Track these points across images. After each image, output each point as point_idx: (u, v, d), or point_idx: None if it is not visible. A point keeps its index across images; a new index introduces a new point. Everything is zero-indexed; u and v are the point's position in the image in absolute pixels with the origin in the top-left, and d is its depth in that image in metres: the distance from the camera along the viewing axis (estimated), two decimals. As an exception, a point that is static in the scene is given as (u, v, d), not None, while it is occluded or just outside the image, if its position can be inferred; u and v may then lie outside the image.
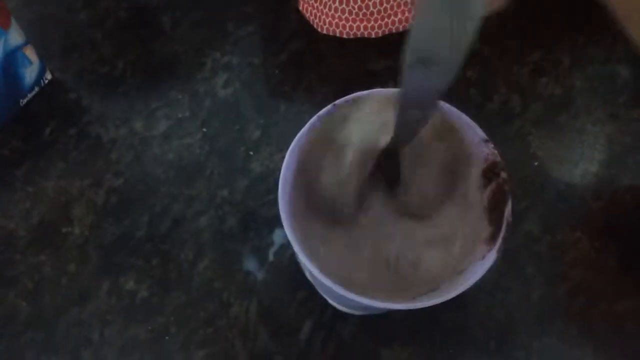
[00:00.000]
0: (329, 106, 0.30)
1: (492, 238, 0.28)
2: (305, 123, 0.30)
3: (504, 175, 0.29)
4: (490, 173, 0.30)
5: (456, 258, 0.30)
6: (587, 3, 0.43)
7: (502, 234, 0.28)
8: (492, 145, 0.30)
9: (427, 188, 0.31)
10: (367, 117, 0.30)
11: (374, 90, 0.30)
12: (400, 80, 0.25)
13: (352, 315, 0.37)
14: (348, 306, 0.35)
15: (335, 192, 0.30)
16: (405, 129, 0.28)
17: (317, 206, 0.31)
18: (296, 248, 0.27)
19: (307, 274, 0.32)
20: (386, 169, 0.31)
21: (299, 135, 0.29)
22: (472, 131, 0.29)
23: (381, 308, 0.27)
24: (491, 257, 0.27)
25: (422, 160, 0.30)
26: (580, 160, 0.43)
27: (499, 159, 0.29)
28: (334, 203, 0.30)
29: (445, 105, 0.30)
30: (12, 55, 0.40)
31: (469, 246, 0.30)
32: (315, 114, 0.30)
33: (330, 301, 0.37)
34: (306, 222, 0.30)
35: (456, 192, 0.31)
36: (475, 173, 0.31)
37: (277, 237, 0.39)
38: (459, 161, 0.31)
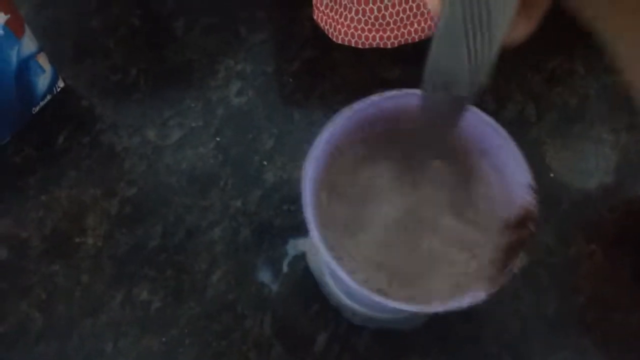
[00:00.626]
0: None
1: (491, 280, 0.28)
2: (319, 133, 0.29)
3: (532, 227, 0.28)
4: (519, 221, 0.29)
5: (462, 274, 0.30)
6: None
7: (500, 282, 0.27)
8: (534, 194, 0.29)
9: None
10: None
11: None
12: (420, 99, 0.25)
13: (367, 329, 0.37)
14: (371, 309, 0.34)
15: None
16: (425, 147, 0.28)
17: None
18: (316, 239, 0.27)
19: (324, 271, 0.32)
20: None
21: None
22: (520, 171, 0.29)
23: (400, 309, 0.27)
24: (479, 296, 0.27)
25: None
26: (595, 170, 0.42)
27: (534, 208, 0.29)
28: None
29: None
30: (25, 63, 0.39)
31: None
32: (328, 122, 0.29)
33: (347, 312, 0.37)
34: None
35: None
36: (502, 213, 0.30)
37: (291, 248, 0.39)
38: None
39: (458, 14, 0.20)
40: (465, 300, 0.26)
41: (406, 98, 0.29)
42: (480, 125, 0.29)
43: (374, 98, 0.29)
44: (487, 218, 0.30)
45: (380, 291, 0.28)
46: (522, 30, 0.24)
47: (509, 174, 0.29)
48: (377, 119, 0.30)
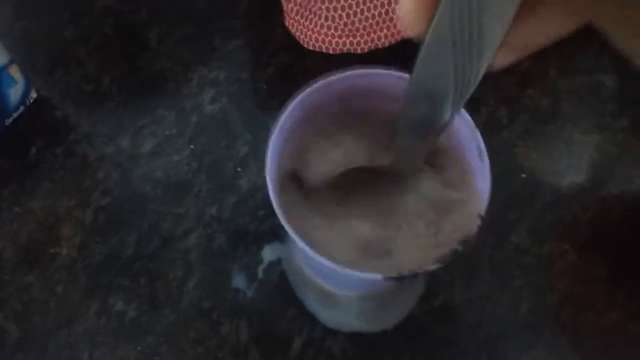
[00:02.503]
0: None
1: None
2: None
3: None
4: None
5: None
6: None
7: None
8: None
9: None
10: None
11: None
12: (401, 109, 0.25)
13: (342, 332, 0.37)
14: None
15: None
16: (404, 156, 0.28)
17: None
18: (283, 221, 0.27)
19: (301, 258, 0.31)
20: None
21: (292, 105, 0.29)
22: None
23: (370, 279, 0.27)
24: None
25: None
26: (567, 171, 0.43)
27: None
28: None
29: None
30: (-3, 75, 0.39)
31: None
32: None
33: (319, 315, 0.37)
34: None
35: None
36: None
37: (266, 254, 0.39)
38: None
39: (447, 36, 0.20)
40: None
41: (383, 77, 0.29)
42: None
43: (350, 72, 0.29)
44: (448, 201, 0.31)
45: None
46: (504, 60, 0.23)
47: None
48: (351, 96, 0.30)
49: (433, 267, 0.26)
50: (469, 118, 0.29)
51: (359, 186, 0.32)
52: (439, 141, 0.29)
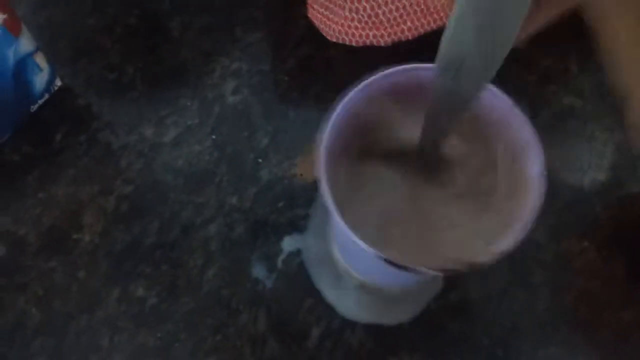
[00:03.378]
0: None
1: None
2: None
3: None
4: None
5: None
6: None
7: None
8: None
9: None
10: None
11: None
12: (432, 83, 0.26)
13: (360, 324, 0.37)
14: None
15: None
16: (435, 131, 0.28)
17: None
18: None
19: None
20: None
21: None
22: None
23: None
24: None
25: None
26: (588, 168, 0.43)
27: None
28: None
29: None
30: (23, 62, 0.40)
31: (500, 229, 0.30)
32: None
33: (338, 307, 0.37)
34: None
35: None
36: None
37: (285, 244, 0.40)
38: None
39: (471, 7, 0.21)
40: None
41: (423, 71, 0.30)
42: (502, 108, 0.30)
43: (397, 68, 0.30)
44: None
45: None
46: (539, 20, 0.24)
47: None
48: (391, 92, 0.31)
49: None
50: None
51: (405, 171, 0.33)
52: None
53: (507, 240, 0.27)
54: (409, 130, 0.32)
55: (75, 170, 0.41)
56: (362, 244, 0.26)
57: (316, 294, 0.38)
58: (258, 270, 0.39)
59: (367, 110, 0.31)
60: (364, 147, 0.32)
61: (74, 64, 0.45)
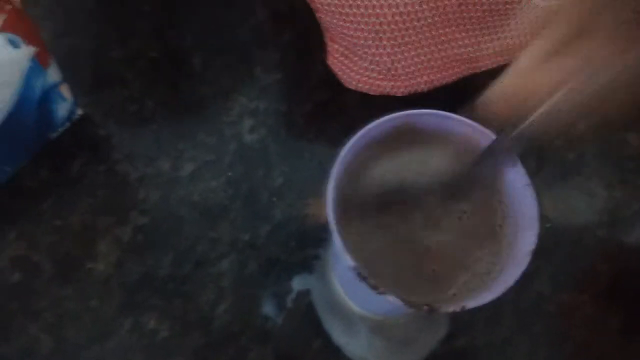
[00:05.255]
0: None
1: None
2: (328, 172, 0.31)
3: None
4: None
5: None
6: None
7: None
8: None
9: None
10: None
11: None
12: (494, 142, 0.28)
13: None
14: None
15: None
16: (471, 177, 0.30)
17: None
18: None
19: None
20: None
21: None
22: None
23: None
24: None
25: None
26: (589, 223, 0.44)
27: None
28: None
29: None
30: (48, 92, 0.41)
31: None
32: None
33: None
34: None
35: None
36: None
37: (295, 284, 0.40)
38: None
39: None
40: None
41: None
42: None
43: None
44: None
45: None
46: None
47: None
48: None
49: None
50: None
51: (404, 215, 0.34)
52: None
53: (474, 301, 0.29)
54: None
55: (92, 199, 0.42)
56: (343, 251, 0.28)
57: (324, 334, 0.39)
58: (268, 308, 0.40)
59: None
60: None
61: (95, 94, 0.46)
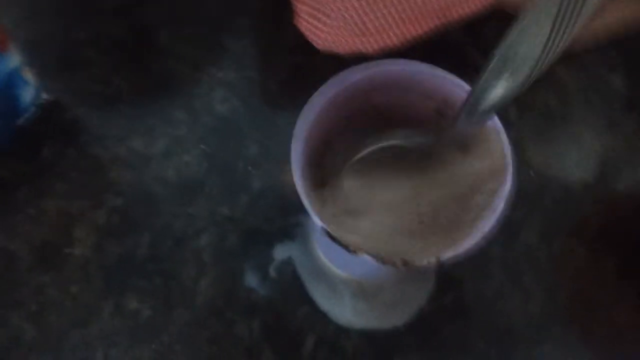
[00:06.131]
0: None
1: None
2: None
3: None
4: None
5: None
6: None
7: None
8: None
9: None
10: None
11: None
12: (476, 82, 0.26)
13: (354, 330, 0.38)
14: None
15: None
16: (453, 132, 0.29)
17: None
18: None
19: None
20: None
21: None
22: None
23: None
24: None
25: None
26: (576, 168, 0.43)
27: None
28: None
29: None
30: (10, 77, 0.40)
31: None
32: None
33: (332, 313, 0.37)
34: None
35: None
36: None
37: (277, 253, 0.40)
38: None
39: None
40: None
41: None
42: None
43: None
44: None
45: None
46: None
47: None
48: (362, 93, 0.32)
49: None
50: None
51: (382, 170, 0.33)
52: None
53: (449, 251, 0.28)
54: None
55: (65, 184, 0.41)
56: (310, 212, 0.27)
57: (310, 301, 0.38)
58: (251, 280, 0.39)
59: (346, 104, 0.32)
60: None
61: (61, 77, 0.45)
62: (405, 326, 0.38)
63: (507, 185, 0.29)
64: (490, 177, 0.31)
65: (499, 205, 0.29)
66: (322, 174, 0.32)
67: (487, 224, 0.28)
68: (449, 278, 0.39)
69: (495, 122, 0.31)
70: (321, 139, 0.32)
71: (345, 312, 0.37)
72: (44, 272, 0.39)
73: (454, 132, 0.30)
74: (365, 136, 0.35)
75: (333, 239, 0.28)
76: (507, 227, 0.40)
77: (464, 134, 0.31)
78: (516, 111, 0.44)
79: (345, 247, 0.28)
